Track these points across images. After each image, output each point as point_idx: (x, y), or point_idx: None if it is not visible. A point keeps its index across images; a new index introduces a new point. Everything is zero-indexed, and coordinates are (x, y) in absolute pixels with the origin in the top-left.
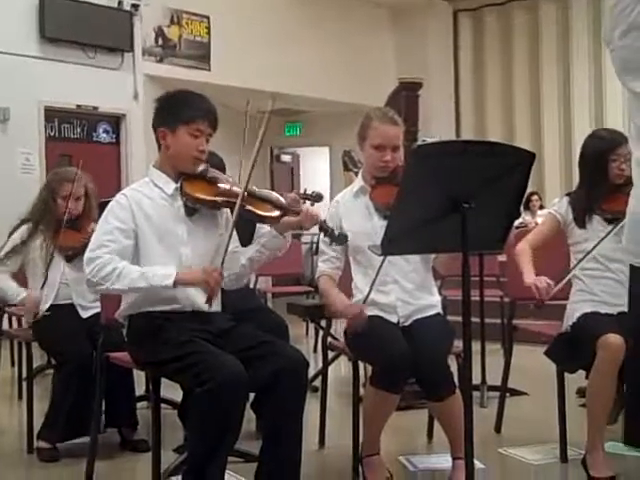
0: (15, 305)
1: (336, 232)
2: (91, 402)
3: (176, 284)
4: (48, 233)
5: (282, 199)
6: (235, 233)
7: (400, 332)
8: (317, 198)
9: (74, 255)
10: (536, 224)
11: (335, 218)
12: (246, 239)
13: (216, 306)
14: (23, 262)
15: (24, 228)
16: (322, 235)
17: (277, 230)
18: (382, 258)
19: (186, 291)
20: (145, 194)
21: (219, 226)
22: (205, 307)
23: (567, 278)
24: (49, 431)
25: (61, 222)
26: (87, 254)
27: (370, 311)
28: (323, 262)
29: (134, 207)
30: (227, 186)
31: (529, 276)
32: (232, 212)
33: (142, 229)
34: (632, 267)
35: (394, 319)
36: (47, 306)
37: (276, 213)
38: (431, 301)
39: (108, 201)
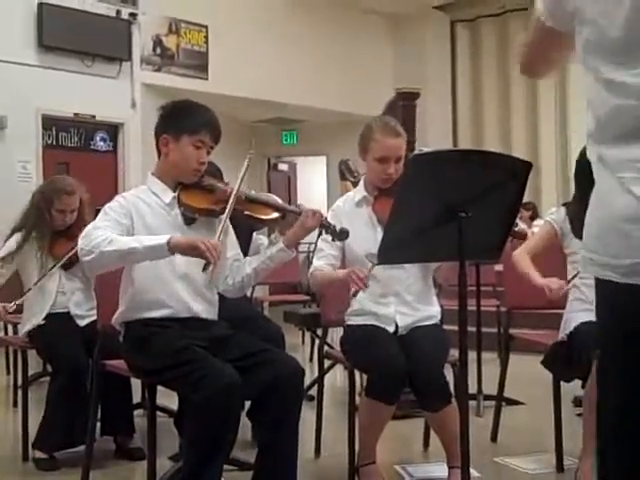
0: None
1: (337, 228)
2: (87, 410)
3: (170, 243)
4: (42, 243)
5: (280, 201)
6: (236, 242)
7: (396, 342)
8: None
9: (70, 264)
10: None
11: (336, 222)
12: (243, 247)
13: (213, 314)
14: (17, 267)
15: (18, 235)
16: (323, 233)
17: (285, 243)
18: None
19: (180, 295)
20: (143, 200)
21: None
22: (201, 313)
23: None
24: (45, 440)
25: (55, 233)
26: (84, 232)
27: (367, 320)
28: (319, 259)
29: (132, 210)
30: (224, 193)
31: (538, 278)
32: (229, 217)
33: (138, 232)
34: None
35: (391, 329)
36: (44, 315)
37: (275, 215)
38: (430, 312)
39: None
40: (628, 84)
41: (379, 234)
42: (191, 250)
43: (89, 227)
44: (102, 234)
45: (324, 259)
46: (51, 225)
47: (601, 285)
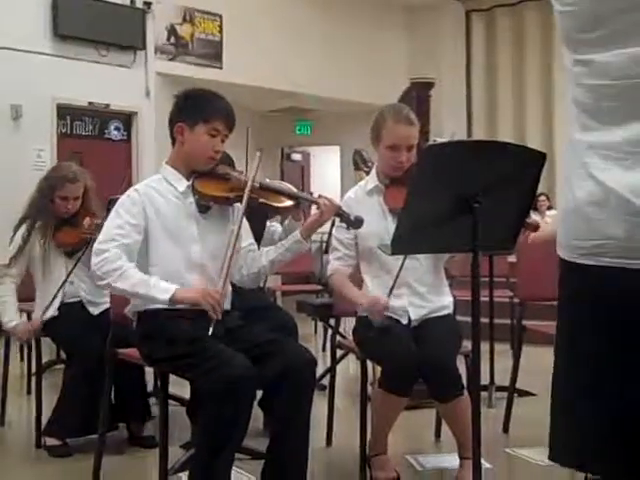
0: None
1: (352, 217)
2: (101, 398)
3: (172, 300)
4: (46, 231)
5: (294, 189)
6: (250, 230)
7: (410, 335)
8: None
9: (73, 251)
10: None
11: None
12: (257, 234)
13: (226, 304)
14: (28, 261)
15: (23, 227)
16: (337, 221)
17: (302, 234)
18: (402, 259)
19: (194, 286)
20: (157, 190)
21: (230, 221)
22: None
23: None
24: (58, 427)
25: (58, 220)
26: (96, 245)
27: None
28: (336, 260)
29: (146, 202)
30: (239, 181)
31: None
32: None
33: (152, 224)
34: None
35: (404, 321)
36: (57, 305)
37: (289, 203)
38: (443, 302)
39: (118, 199)
40: (589, 65)
41: (390, 224)
42: (194, 305)
43: (103, 237)
44: (116, 259)
45: (341, 261)
46: (54, 212)
47: (564, 266)
